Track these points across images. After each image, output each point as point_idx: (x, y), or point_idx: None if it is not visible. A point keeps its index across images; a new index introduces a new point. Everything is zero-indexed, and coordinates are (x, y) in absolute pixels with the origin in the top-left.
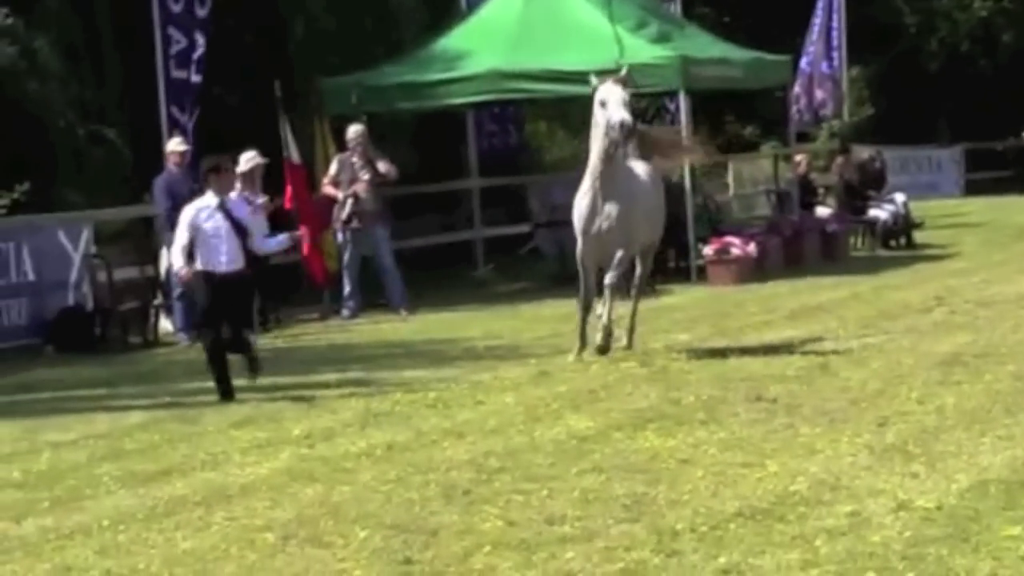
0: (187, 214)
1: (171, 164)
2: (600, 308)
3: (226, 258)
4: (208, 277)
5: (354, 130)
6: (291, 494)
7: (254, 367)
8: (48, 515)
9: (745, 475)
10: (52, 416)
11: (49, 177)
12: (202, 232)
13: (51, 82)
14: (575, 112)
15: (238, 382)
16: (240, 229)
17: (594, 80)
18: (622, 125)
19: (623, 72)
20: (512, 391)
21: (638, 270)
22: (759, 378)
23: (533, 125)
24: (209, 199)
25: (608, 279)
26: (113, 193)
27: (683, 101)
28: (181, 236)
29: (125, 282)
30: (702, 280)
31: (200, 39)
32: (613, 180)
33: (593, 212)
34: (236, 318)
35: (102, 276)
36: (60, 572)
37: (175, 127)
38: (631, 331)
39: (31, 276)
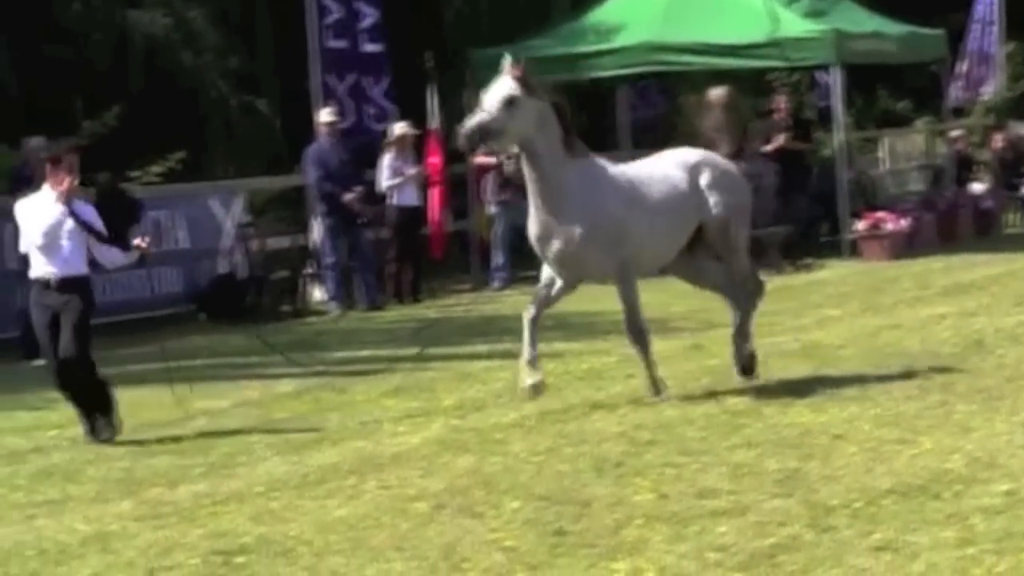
0: (21, 211)
1: (322, 134)
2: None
3: (65, 260)
4: (43, 286)
5: None
6: (443, 464)
7: (96, 428)
8: (202, 481)
9: (899, 452)
10: (205, 383)
11: (202, 146)
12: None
13: (205, 53)
14: (727, 85)
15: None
16: (88, 230)
17: (505, 65)
18: (463, 137)
19: (508, 64)
20: (663, 364)
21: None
22: (912, 354)
23: (684, 98)
24: (46, 194)
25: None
26: (264, 162)
27: (837, 75)
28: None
29: (276, 251)
30: (855, 255)
31: (366, 8)
32: (561, 190)
33: (544, 235)
34: (72, 335)
35: (254, 245)
36: (214, 537)
37: (328, 97)
38: (742, 355)
39: (185, 244)
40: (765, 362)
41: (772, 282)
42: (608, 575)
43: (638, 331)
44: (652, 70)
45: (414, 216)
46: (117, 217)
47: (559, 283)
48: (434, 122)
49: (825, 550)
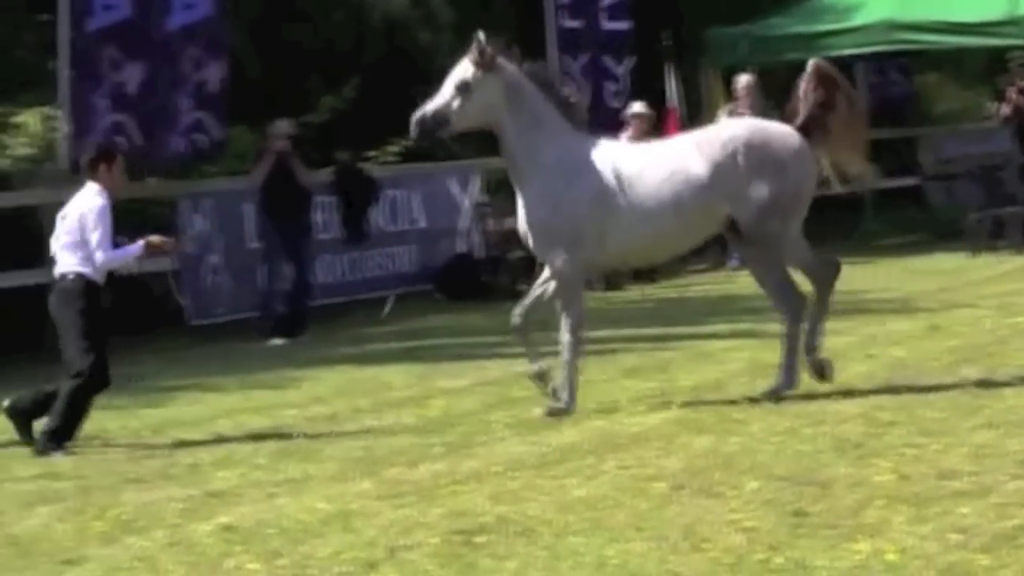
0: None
1: None
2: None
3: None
4: (101, 291)
5: (742, 81)
6: (681, 444)
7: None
8: (441, 460)
9: None
10: (444, 363)
11: None
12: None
13: (443, 32)
14: (968, 64)
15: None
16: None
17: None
18: (414, 125)
19: (477, 41)
20: (902, 345)
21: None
22: None
23: (923, 76)
24: (99, 194)
25: (561, 330)
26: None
27: None
28: (107, 228)
29: (513, 231)
30: None
31: None
32: (528, 174)
33: (520, 224)
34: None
35: (491, 224)
36: (454, 517)
37: (564, 76)
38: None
39: (422, 223)
40: (1005, 342)
41: (1012, 262)
42: (849, 556)
43: (576, 341)
44: (890, 49)
45: None
46: (356, 196)
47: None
48: (673, 101)
49: None
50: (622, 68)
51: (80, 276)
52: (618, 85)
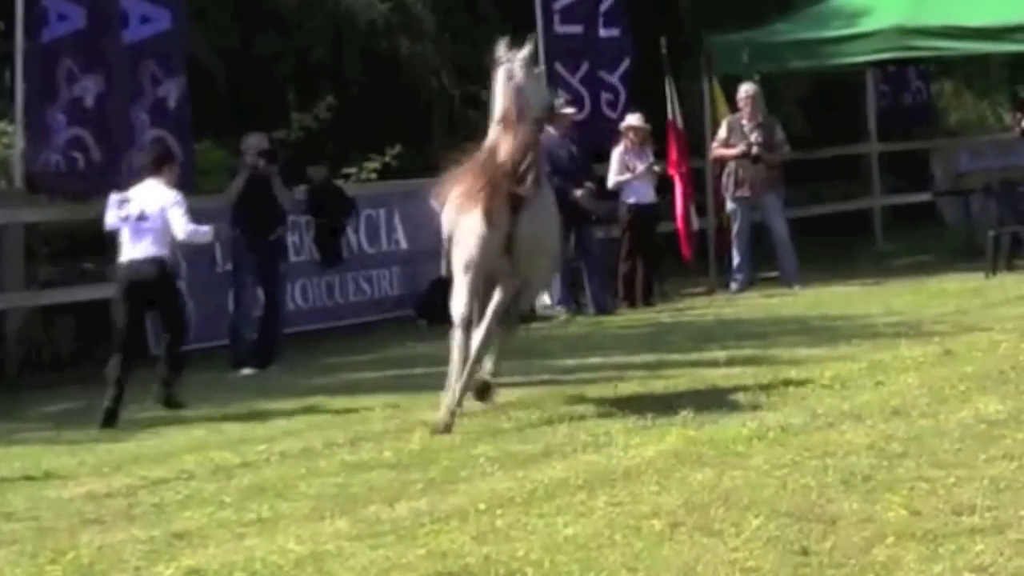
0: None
1: (551, 127)
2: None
3: None
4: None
5: (745, 90)
6: (679, 478)
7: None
8: (422, 498)
9: None
10: (425, 393)
11: (422, 140)
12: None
13: (425, 41)
14: (985, 72)
15: None
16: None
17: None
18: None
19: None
20: (914, 371)
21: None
22: None
23: (938, 85)
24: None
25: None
26: None
27: None
28: (186, 208)
29: None
30: None
31: None
32: None
33: None
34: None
35: None
36: (435, 558)
37: (559, 86)
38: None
39: (403, 244)
40: (1023, 368)
41: None
42: None
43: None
44: (903, 56)
45: (646, 214)
46: (331, 216)
47: None
48: (672, 112)
49: None
50: (616, 77)
51: (167, 260)
52: (614, 95)
